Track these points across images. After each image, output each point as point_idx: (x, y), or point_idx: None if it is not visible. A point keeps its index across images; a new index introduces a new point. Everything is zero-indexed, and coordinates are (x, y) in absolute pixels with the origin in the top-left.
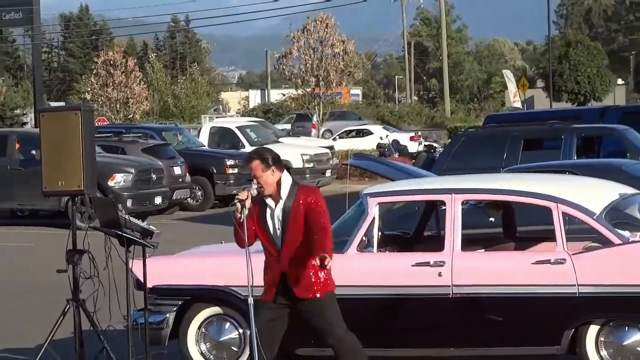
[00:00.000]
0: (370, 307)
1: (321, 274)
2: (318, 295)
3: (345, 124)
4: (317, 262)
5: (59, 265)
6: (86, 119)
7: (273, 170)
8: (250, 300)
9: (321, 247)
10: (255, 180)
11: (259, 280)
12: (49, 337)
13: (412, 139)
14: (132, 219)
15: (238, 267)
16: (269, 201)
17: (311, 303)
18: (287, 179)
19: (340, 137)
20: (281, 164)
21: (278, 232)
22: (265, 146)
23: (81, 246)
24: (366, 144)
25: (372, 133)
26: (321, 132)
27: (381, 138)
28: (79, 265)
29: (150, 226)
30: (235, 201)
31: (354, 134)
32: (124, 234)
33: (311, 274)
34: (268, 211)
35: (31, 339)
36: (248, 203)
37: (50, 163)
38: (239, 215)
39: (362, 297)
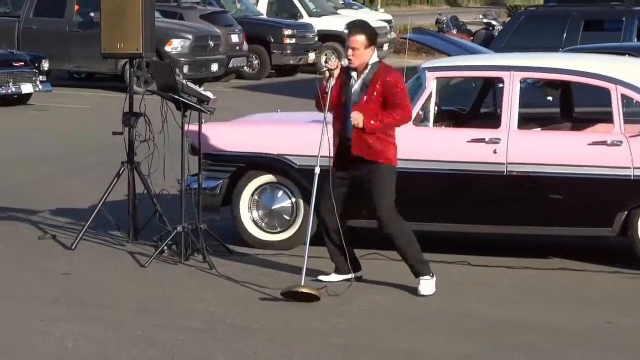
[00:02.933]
0: (423, 182)
1: (385, 147)
2: (376, 159)
3: None
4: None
5: (114, 127)
6: None
7: (372, 49)
8: (317, 170)
9: (377, 114)
10: (349, 51)
11: (313, 150)
12: (102, 198)
13: None
14: (189, 83)
15: (293, 136)
16: (353, 73)
17: (368, 168)
18: (374, 57)
19: None
20: (376, 44)
21: (353, 105)
22: (366, 21)
23: (137, 109)
24: None
25: None
26: (379, 5)
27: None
28: (135, 128)
29: (207, 92)
30: (324, 69)
31: None
32: (180, 99)
33: (373, 143)
34: (350, 82)
35: (85, 200)
36: (336, 73)
37: (109, 25)
38: (325, 83)
39: (416, 171)
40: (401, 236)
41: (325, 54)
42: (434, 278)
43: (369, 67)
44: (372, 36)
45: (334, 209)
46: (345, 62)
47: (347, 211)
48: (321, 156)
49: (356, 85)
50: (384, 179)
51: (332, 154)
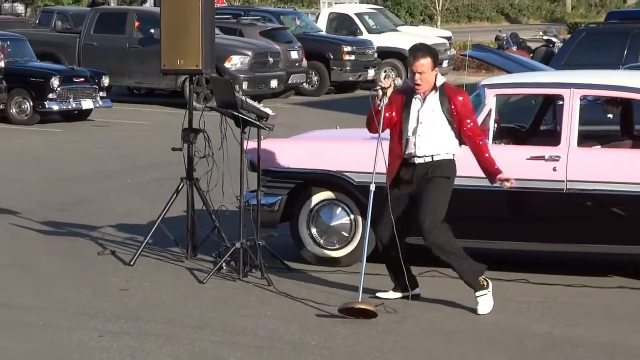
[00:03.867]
0: (482, 199)
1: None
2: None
3: None
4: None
5: (174, 143)
6: None
7: (436, 71)
8: (372, 187)
9: (493, 165)
10: (416, 76)
11: (372, 167)
12: (161, 214)
13: None
14: (248, 100)
15: (352, 153)
16: (417, 96)
17: (427, 182)
18: (440, 78)
19: None
20: (438, 67)
21: (418, 125)
22: (426, 43)
23: (197, 126)
24: None
25: None
26: (438, 23)
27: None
28: (194, 144)
29: (266, 108)
30: (378, 88)
31: None
32: (240, 115)
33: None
34: (414, 104)
35: (144, 216)
36: (389, 92)
37: (170, 42)
38: (379, 102)
39: (474, 188)
40: (446, 248)
41: (385, 71)
42: (490, 289)
43: (437, 89)
44: (436, 57)
45: (392, 227)
46: (399, 82)
47: (406, 228)
48: (377, 173)
49: (424, 108)
50: (438, 192)
51: (387, 172)
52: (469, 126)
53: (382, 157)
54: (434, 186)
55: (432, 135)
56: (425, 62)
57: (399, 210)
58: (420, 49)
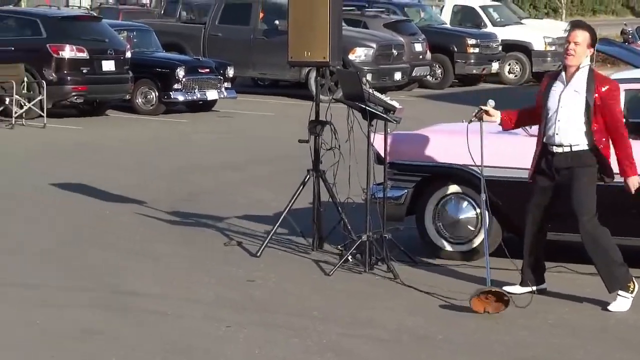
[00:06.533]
0: (612, 195)
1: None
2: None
3: None
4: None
5: (299, 135)
6: None
7: (590, 51)
8: (483, 181)
9: (624, 165)
10: (570, 45)
11: (498, 161)
12: (288, 205)
13: None
14: (375, 93)
15: (477, 146)
16: (560, 78)
17: (569, 172)
18: (587, 62)
19: None
20: (593, 49)
21: (559, 108)
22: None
23: (323, 118)
24: None
25: None
26: (563, 16)
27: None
28: (321, 136)
29: (393, 101)
30: (480, 110)
31: None
32: (367, 108)
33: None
34: (556, 86)
35: (270, 207)
36: (485, 118)
37: (297, 33)
38: (471, 119)
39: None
40: (602, 243)
41: (509, 64)
42: (633, 295)
43: (580, 70)
44: (594, 37)
45: (538, 219)
46: (491, 103)
47: (547, 222)
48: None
49: (567, 89)
50: (588, 184)
51: (533, 164)
52: (607, 118)
53: (480, 149)
54: (582, 178)
55: (572, 121)
56: (581, 34)
57: (542, 203)
58: (580, 23)
